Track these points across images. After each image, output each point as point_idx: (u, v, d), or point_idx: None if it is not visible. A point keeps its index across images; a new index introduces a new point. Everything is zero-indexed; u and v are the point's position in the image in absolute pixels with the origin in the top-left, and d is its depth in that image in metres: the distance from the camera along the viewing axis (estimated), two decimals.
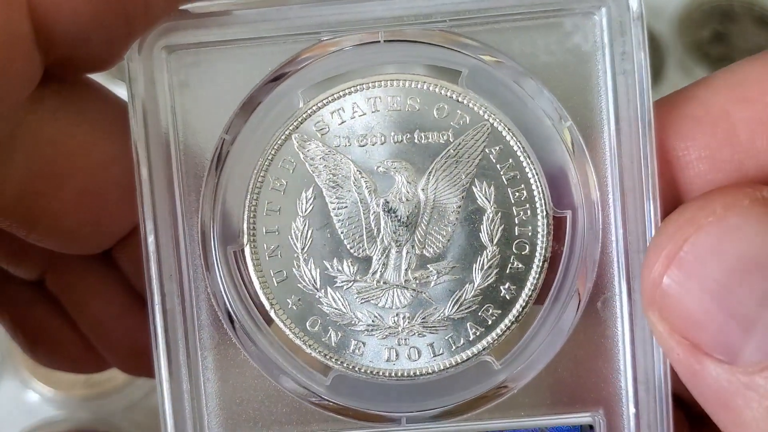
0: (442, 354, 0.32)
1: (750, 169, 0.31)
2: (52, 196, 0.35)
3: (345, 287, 0.33)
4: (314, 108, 0.32)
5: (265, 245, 0.33)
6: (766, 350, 0.27)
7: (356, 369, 0.32)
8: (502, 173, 0.32)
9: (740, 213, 0.28)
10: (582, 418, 0.32)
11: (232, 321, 0.33)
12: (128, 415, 0.66)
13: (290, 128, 0.32)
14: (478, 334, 0.32)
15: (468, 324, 0.32)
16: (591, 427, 0.32)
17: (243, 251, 0.33)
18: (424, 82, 0.32)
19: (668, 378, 0.32)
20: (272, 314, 0.33)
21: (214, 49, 0.32)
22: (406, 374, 0.32)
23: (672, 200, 0.32)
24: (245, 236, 0.33)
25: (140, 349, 0.36)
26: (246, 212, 0.33)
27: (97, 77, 0.35)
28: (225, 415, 0.33)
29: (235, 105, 0.33)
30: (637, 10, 0.31)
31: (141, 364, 0.39)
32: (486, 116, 0.32)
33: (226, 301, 0.33)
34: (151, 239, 0.33)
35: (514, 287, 0.32)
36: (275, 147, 0.32)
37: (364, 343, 0.33)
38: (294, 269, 0.33)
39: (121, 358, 0.43)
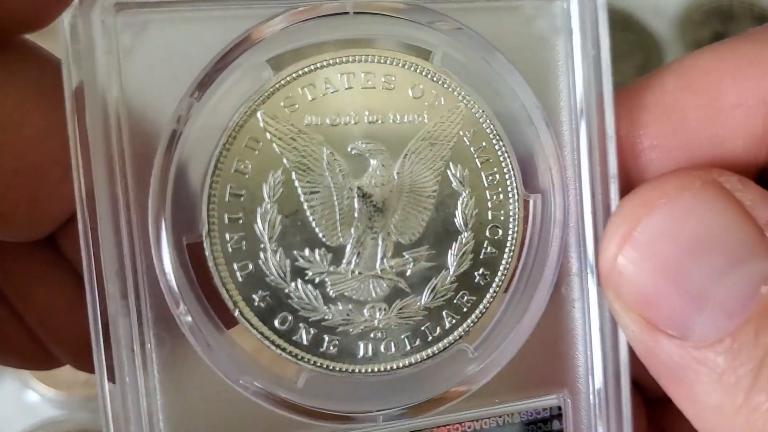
0: (418, 345, 0.31)
1: (701, 157, 0.33)
2: None
3: (317, 279, 0.30)
4: (283, 82, 0.29)
5: (227, 235, 0.29)
6: (716, 326, 0.29)
7: (331, 368, 0.30)
8: (475, 156, 0.31)
9: (692, 194, 0.30)
10: (549, 400, 0.33)
11: (188, 323, 0.29)
12: None
13: (256, 103, 0.29)
14: (453, 322, 0.31)
15: (444, 312, 0.31)
16: (559, 408, 0.33)
17: (201, 243, 0.29)
18: (400, 59, 0.30)
19: (627, 357, 0.33)
20: (236, 314, 0.29)
21: (171, 10, 0.28)
22: (383, 369, 0.30)
23: (626, 188, 0.33)
24: (204, 225, 0.29)
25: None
26: (205, 198, 0.29)
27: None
28: (179, 428, 0.29)
29: (193, 75, 0.28)
30: None
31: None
32: (460, 98, 0.31)
33: (181, 299, 0.29)
34: (87, 229, 0.27)
35: (488, 272, 0.32)
36: (239, 124, 0.29)
37: (338, 340, 0.30)
38: (260, 261, 0.29)
39: (71, 353, 0.37)
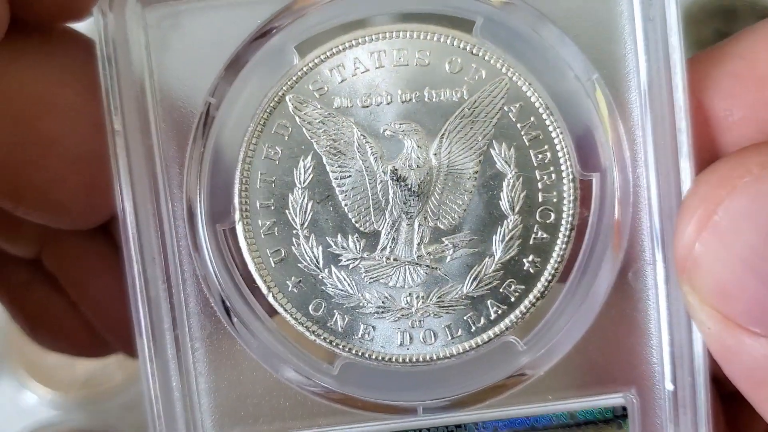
0: (460, 336, 0.29)
1: None
2: (38, 164, 0.31)
3: (351, 266, 0.29)
4: (311, 65, 0.29)
5: (259, 221, 0.29)
6: None
7: (366, 356, 0.29)
8: (523, 133, 0.29)
9: None
10: (614, 399, 0.30)
11: (225, 308, 0.29)
12: (126, 416, 0.65)
13: (284, 88, 0.29)
14: (500, 312, 0.29)
15: (488, 302, 0.29)
16: (624, 408, 0.30)
17: (235, 229, 0.29)
18: (434, 33, 0.29)
19: (706, 353, 0.29)
20: (270, 299, 0.29)
21: (197, 2, 0.28)
22: (421, 359, 0.29)
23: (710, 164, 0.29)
24: (237, 212, 0.29)
25: None
26: (237, 185, 0.29)
27: None
28: (220, 413, 0.30)
29: (221, 64, 0.29)
30: None
31: None
32: (504, 70, 0.29)
33: (218, 285, 0.29)
34: (129, 218, 0.29)
35: (539, 260, 0.29)
36: (267, 110, 0.29)
37: (374, 327, 0.29)
38: (293, 247, 0.29)
39: (124, 341, 0.39)
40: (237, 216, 0.29)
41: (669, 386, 0.29)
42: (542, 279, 0.29)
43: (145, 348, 0.29)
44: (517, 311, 0.29)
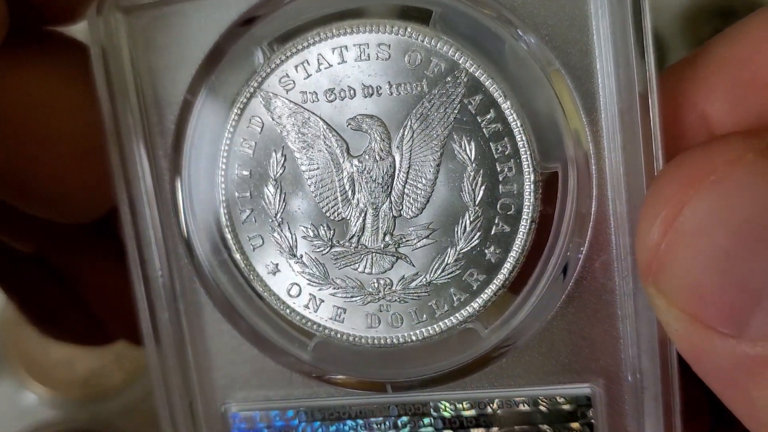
0: (424, 321, 0.30)
1: None
2: (41, 160, 0.34)
3: (323, 253, 0.31)
4: (277, 62, 0.30)
5: (238, 210, 0.31)
6: None
7: (338, 336, 0.31)
8: (482, 126, 0.29)
9: (745, 169, 0.24)
10: (579, 389, 0.30)
11: (209, 288, 0.32)
12: (125, 416, 0.65)
13: (254, 86, 0.30)
14: (462, 299, 0.30)
15: (451, 290, 0.30)
16: (589, 399, 0.30)
17: (218, 217, 0.32)
18: (393, 26, 0.29)
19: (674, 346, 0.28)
20: (252, 281, 0.32)
21: (174, 6, 0.30)
22: (388, 341, 0.31)
23: None
24: (219, 202, 0.31)
25: None
26: (217, 177, 0.31)
27: None
28: (211, 385, 0.33)
29: (196, 64, 0.31)
30: None
31: None
32: (462, 62, 0.28)
33: (205, 268, 0.32)
34: (125, 211, 0.32)
35: (500, 250, 0.29)
36: (240, 107, 0.30)
37: (344, 310, 0.31)
38: (270, 234, 0.31)
39: (127, 329, 0.42)
40: (220, 206, 0.31)
41: (634, 377, 0.29)
42: (504, 269, 0.29)
43: (150, 331, 0.32)
44: (478, 299, 0.30)
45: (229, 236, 0.31)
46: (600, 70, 0.28)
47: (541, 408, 0.30)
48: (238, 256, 0.31)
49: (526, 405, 0.30)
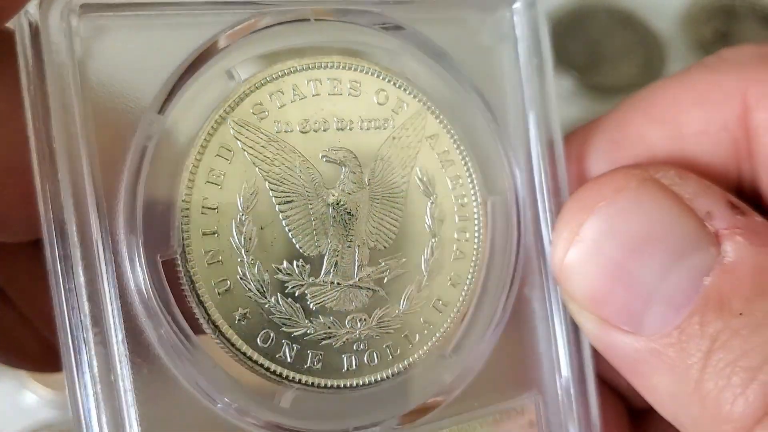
0: (398, 354, 0.30)
1: None
2: None
3: (297, 292, 0.28)
4: (252, 87, 0.28)
5: (203, 250, 0.27)
6: (664, 319, 0.30)
7: (316, 385, 0.28)
8: (440, 160, 0.31)
9: (629, 194, 0.31)
10: (521, 400, 0.33)
11: (164, 344, 0.26)
12: None
13: (225, 110, 0.28)
14: (431, 328, 0.31)
15: (421, 319, 0.31)
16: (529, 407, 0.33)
17: (175, 260, 0.27)
18: (364, 66, 0.30)
19: (590, 353, 0.34)
20: (216, 335, 0.27)
21: (135, 15, 0.26)
22: (369, 382, 0.29)
23: None
24: (177, 241, 0.27)
25: None
26: (177, 212, 0.27)
27: None
28: None
29: (159, 83, 0.27)
30: (541, 7, 0.34)
31: None
32: (422, 103, 0.31)
33: (157, 320, 0.26)
34: (51, 248, 0.25)
35: (458, 276, 0.31)
36: (209, 133, 0.27)
37: (322, 355, 0.29)
38: (239, 276, 0.27)
39: None
40: (177, 245, 0.27)
41: (563, 387, 0.34)
42: (462, 294, 0.32)
43: (76, 388, 0.25)
44: (443, 327, 0.31)
45: (187, 280, 0.26)
46: (519, 118, 0.34)
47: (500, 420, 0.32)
48: (195, 303, 0.27)
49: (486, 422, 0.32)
